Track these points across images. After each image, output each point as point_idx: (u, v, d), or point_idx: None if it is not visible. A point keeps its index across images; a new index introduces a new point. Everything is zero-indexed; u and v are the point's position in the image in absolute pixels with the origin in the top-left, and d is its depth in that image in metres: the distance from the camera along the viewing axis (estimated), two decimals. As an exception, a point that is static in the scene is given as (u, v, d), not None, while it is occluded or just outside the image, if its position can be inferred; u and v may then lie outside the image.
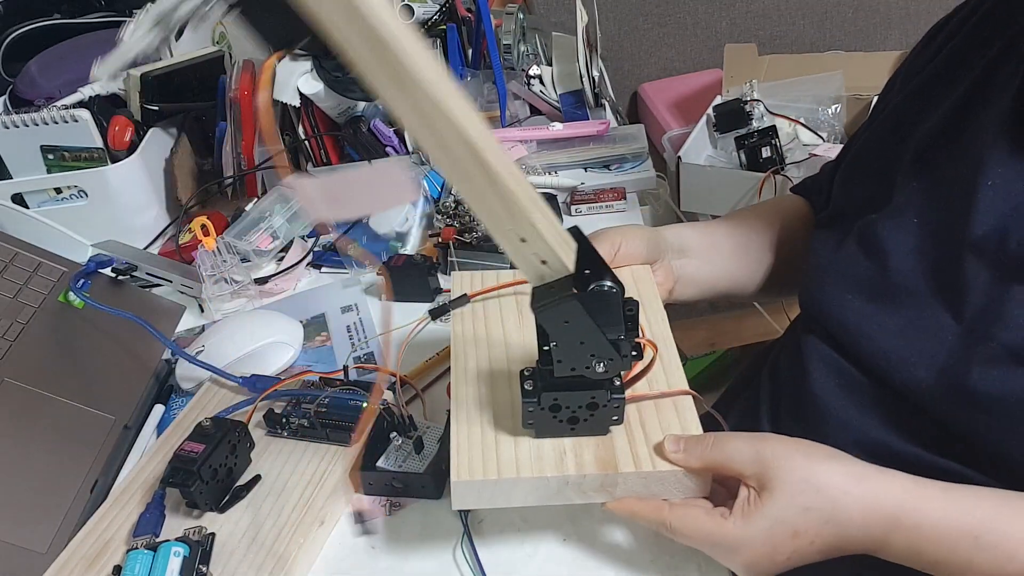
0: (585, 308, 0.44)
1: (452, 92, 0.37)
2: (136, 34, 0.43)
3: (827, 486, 0.46)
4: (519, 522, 0.60)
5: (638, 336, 0.49)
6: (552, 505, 0.62)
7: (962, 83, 0.57)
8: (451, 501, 0.50)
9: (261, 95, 0.49)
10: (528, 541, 0.59)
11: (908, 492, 0.47)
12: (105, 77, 0.46)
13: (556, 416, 0.50)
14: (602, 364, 0.46)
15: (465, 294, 0.65)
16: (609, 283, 0.47)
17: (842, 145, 0.84)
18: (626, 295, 0.46)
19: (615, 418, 0.50)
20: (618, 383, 0.49)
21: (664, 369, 0.56)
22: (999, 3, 0.58)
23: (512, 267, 0.85)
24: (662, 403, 0.53)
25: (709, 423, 0.53)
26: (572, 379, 0.47)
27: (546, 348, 0.48)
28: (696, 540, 0.49)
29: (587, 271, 0.48)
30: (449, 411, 0.64)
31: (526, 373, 0.50)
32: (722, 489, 0.51)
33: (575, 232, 0.46)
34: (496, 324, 0.62)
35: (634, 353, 0.48)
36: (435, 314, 0.69)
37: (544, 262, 0.44)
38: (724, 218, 0.76)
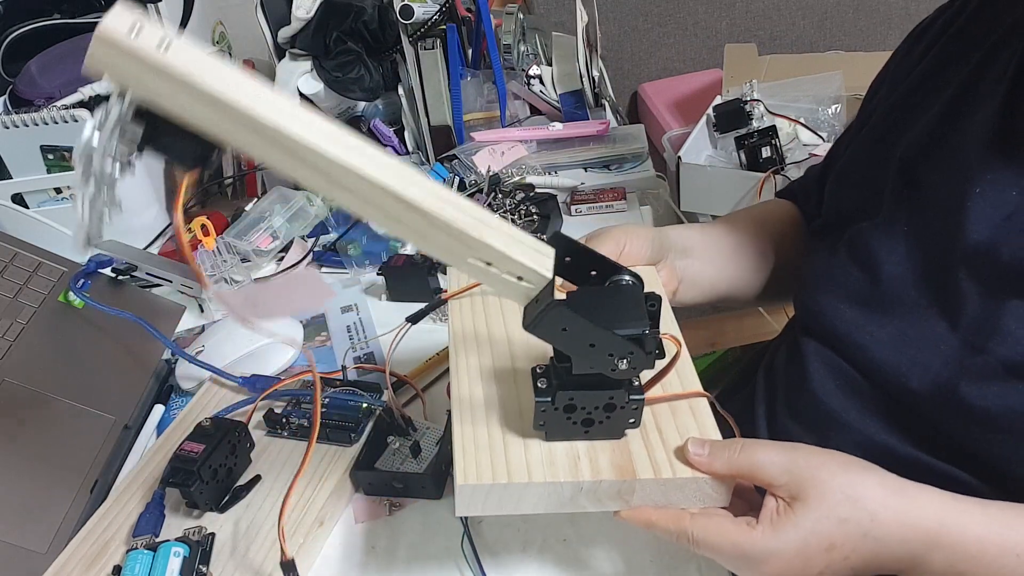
0: (575, 310, 0.42)
1: (350, 151, 0.38)
2: (80, 201, 0.44)
3: (865, 499, 0.44)
4: (519, 522, 0.60)
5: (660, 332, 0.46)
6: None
7: (947, 89, 0.56)
8: (455, 507, 0.47)
9: (176, 214, 0.49)
10: (528, 541, 0.59)
11: (947, 507, 0.45)
12: (84, 250, 0.46)
13: (570, 417, 0.47)
14: (624, 361, 0.43)
15: (439, 296, 0.63)
16: (628, 276, 0.45)
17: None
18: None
19: (632, 421, 0.48)
20: (637, 384, 0.47)
21: (677, 370, 0.53)
22: (983, 5, 0.57)
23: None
24: (677, 406, 0.51)
25: (721, 427, 0.51)
26: (589, 377, 0.45)
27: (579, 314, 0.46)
28: (720, 551, 0.46)
29: (593, 271, 0.47)
30: (449, 412, 0.64)
31: (539, 370, 0.47)
32: (740, 501, 0.48)
33: (559, 239, 0.45)
34: (497, 320, 0.59)
35: (656, 351, 0.45)
36: (413, 319, 0.68)
37: (520, 278, 0.42)
38: (719, 221, 0.75)
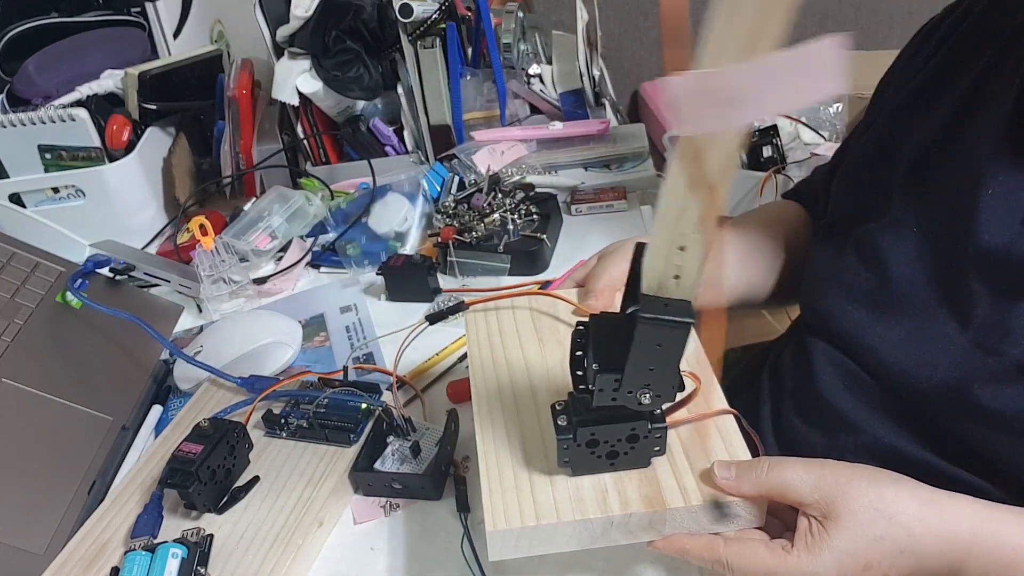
0: (584, 342, 0.41)
1: None
2: None
3: (899, 514, 0.43)
4: (519, 523, 0.60)
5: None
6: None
7: (957, 88, 0.56)
8: (488, 552, 0.47)
9: None
10: (528, 542, 0.58)
11: (981, 516, 0.44)
12: None
13: (594, 451, 0.46)
14: (648, 396, 0.42)
15: (462, 300, 0.64)
16: (690, 317, 0.43)
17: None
18: None
19: (656, 449, 0.47)
20: (659, 412, 0.46)
21: (702, 389, 0.52)
22: (992, 5, 0.57)
23: (510, 273, 0.84)
24: (704, 426, 0.50)
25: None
26: (608, 411, 0.44)
27: (580, 373, 0.46)
28: None
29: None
30: (449, 412, 0.64)
31: (558, 408, 0.47)
32: (776, 520, 0.48)
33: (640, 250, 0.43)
34: (514, 345, 0.59)
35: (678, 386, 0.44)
36: (432, 319, 0.68)
37: (677, 277, 0.40)
38: (731, 224, 0.75)
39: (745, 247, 0.71)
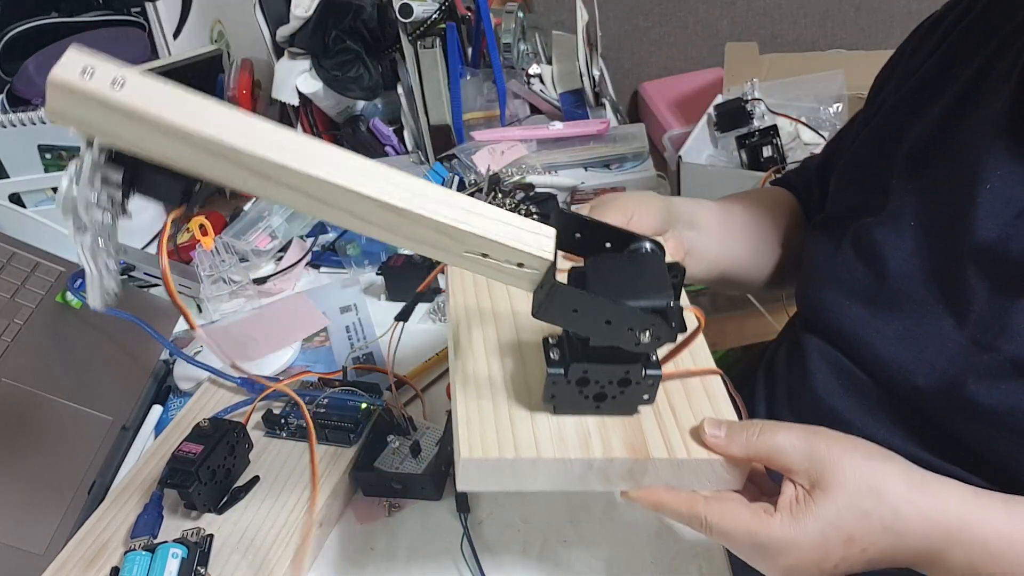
0: (590, 284, 0.40)
1: (338, 166, 0.37)
2: (82, 256, 0.42)
3: (888, 491, 0.42)
4: (519, 523, 0.60)
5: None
6: (553, 504, 0.61)
7: (956, 84, 0.56)
8: (456, 482, 0.45)
9: (162, 255, 0.48)
10: (528, 542, 0.59)
11: (969, 503, 0.43)
12: (102, 307, 0.45)
13: (582, 391, 0.45)
14: (647, 333, 0.40)
15: (422, 293, 0.62)
16: (649, 244, 0.42)
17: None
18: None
19: (646, 397, 0.45)
20: (654, 359, 0.44)
21: (689, 347, 0.50)
22: (993, 2, 0.57)
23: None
24: (690, 385, 0.49)
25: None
26: (605, 350, 0.43)
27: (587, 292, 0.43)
28: (734, 539, 0.44)
29: (608, 244, 0.45)
30: (450, 412, 0.64)
31: (551, 341, 0.45)
32: (751, 485, 0.47)
33: (564, 217, 0.43)
34: (502, 295, 0.56)
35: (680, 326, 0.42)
36: (400, 316, 0.67)
37: (520, 264, 0.40)
38: (725, 199, 0.74)
39: (738, 224, 0.70)
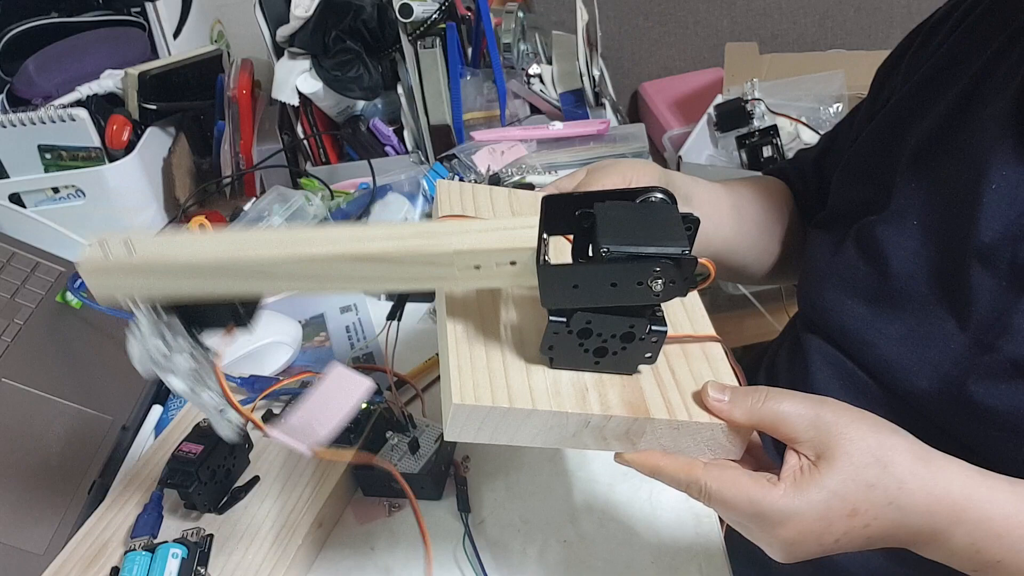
0: (591, 232, 0.38)
1: (312, 242, 0.42)
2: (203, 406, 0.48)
3: (895, 464, 0.41)
4: (519, 522, 0.60)
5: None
6: (553, 504, 0.61)
7: (961, 81, 0.56)
8: (445, 431, 0.42)
9: (220, 380, 0.52)
10: (529, 542, 0.59)
11: (974, 481, 0.42)
12: (235, 436, 0.50)
13: (583, 344, 0.42)
14: (660, 283, 0.38)
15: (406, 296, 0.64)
16: (659, 194, 0.41)
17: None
18: None
19: (648, 355, 0.43)
20: (660, 314, 0.42)
21: (688, 313, 0.49)
22: (996, 2, 0.57)
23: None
24: (690, 350, 0.47)
25: None
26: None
27: (582, 261, 0.43)
28: (734, 507, 0.42)
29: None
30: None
31: None
32: (748, 457, 0.45)
33: (554, 201, 0.42)
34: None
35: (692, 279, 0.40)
36: (391, 315, 0.68)
37: (513, 263, 0.39)
38: (720, 182, 0.72)
39: (731, 206, 0.69)
